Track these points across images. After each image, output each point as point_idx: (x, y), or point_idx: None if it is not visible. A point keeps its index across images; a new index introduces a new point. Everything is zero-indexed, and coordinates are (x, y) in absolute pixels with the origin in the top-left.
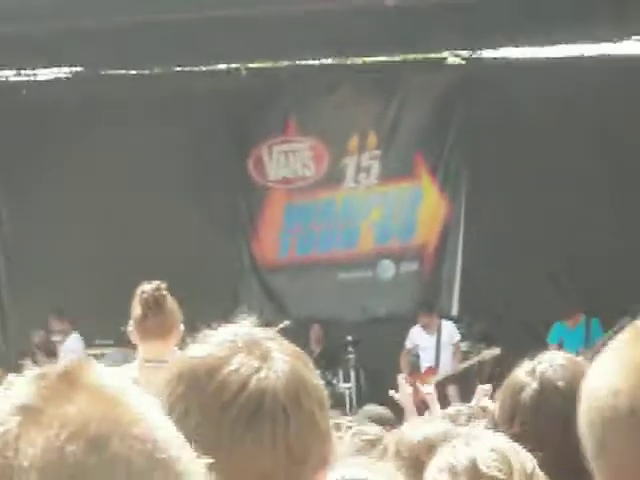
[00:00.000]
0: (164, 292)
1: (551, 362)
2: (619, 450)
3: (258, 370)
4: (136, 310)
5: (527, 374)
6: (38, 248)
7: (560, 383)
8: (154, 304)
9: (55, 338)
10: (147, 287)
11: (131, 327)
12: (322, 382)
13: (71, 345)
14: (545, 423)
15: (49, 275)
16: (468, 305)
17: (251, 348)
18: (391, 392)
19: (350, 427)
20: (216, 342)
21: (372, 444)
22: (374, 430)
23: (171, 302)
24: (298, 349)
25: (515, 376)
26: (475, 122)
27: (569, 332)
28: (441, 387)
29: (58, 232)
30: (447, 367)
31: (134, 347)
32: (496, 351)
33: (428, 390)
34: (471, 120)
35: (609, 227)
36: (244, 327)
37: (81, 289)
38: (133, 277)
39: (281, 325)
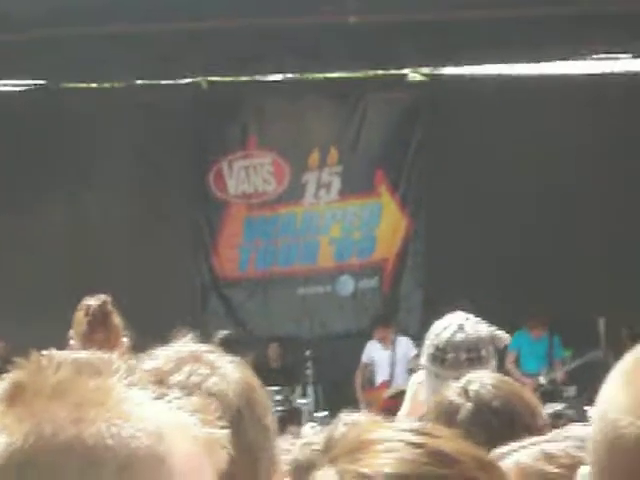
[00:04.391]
0: (110, 307)
1: (481, 382)
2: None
3: (209, 376)
4: (81, 324)
5: (459, 395)
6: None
7: (495, 403)
8: (101, 319)
9: None
10: (93, 302)
11: (73, 340)
12: (279, 396)
13: None
14: (481, 443)
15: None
16: (429, 321)
17: (198, 359)
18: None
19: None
20: (162, 357)
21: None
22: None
23: (116, 317)
24: (239, 359)
25: (445, 397)
26: (437, 138)
27: (531, 342)
28: (393, 402)
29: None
30: (401, 382)
31: None
32: None
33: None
34: (432, 136)
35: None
36: (186, 344)
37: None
38: (94, 290)
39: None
